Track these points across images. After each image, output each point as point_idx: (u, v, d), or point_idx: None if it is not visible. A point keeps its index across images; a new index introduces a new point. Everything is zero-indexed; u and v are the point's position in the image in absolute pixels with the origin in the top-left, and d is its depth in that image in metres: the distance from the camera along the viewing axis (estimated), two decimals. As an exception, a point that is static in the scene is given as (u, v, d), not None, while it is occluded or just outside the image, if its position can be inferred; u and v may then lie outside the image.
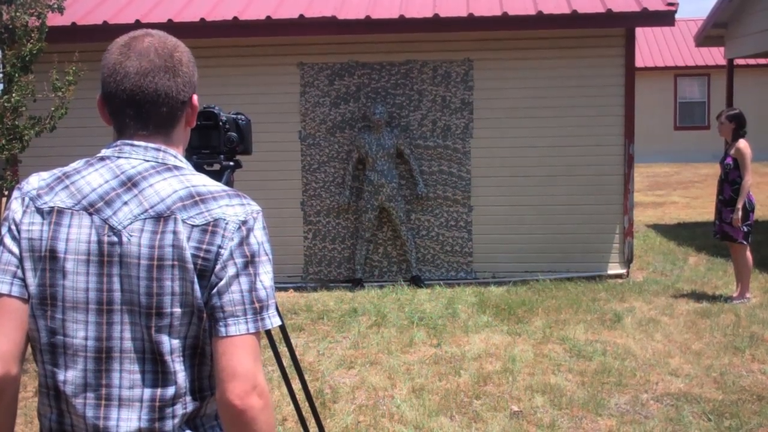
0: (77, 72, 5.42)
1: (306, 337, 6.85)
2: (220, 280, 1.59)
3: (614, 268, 8.87)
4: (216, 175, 2.72)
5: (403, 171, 8.75)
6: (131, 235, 1.60)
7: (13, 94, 4.57)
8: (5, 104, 4.45)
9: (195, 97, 1.76)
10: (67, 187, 1.67)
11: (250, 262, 1.62)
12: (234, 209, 1.64)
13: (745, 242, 7.48)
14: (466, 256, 8.91)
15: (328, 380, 5.68)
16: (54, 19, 7.69)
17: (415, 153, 8.75)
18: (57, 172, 1.71)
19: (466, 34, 8.64)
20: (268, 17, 8.37)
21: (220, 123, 2.77)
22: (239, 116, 2.84)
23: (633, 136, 8.71)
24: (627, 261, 8.87)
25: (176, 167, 1.69)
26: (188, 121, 1.77)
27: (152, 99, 1.67)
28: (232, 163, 2.81)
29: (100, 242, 1.62)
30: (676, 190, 18.57)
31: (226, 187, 1.70)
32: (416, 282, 8.69)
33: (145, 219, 1.61)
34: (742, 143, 7.48)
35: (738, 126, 7.56)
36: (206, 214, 1.62)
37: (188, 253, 1.59)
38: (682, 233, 12.03)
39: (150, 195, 1.63)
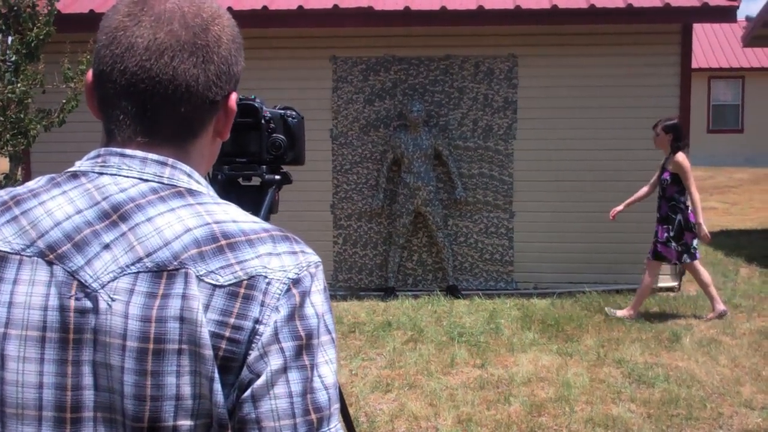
0: (92, 61, 4.92)
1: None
2: (257, 376, 0.99)
3: (665, 281, 8.30)
4: (256, 193, 2.00)
5: (441, 173, 8.21)
6: (114, 299, 0.99)
7: (18, 84, 4.05)
8: (9, 95, 3.94)
9: (233, 97, 1.14)
10: (15, 218, 1.05)
11: (305, 346, 1.01)
12: (281, 260, 1.02)
13: (678, 262, 7.19)
14: (507, 265, 8.36)
15: (363, 406, 5.14)
16: (71, 6, 7.21)
17: (454, 154, 8.21)
18: (3, 194, 1.09)
19: (512, 28, 8.11)
20: (300, 7, 7.88)
21: (263, 121, 2.00)
22: (288, 112, 2.06)
23: (688, 139, 8.11)
24: (679, 273, 8.29)
25: (190, 192, 1.07)
26: (219, 131, 1.15)
27: (165, 92, 1.06)
28: (278, 177, 2.04)
29: (63, 309, 1.00)
30: (713, 195, 17.97)
31: (267, 225, 1.07)
32: (453, 292, 8.14)
33: (138, 273, 1.00)
34: (681, 156, 6.98)
35: (675, 138, 7.04)
36: (237, 267, 1.00)
37: (205, 332, 0.98)
38: (726, 242, 11.51)
39: (147, 235, 1.02)
